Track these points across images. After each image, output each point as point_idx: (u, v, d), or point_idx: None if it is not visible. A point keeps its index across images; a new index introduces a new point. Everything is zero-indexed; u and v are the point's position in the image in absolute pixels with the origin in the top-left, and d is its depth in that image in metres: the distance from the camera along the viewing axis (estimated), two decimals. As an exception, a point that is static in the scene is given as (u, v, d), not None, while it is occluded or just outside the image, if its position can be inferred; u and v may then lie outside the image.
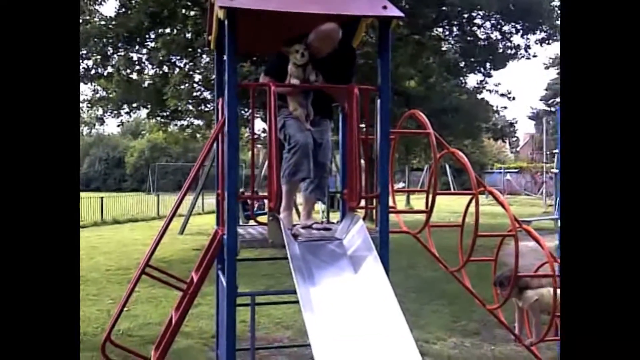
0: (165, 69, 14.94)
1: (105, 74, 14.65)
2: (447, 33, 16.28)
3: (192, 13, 13.68)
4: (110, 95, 16.31)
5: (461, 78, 17.79)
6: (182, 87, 14.39)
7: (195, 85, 15.04)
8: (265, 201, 3.60)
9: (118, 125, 36.09)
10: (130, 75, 15.17)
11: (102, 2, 14.08)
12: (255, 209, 6.65)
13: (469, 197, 4.67)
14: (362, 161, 3.64)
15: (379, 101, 3.56)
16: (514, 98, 18.31)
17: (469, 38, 15.51)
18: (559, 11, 14.72)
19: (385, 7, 3.45)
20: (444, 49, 16.08)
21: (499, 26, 15.59)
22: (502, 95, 18.06)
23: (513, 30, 15.58)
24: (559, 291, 4.31)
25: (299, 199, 4.16)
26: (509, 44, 15.93)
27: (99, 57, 13.95)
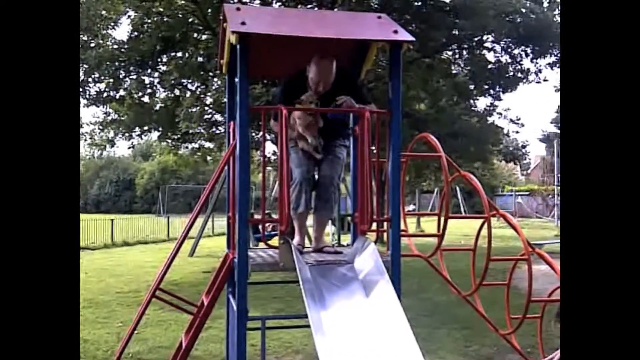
0: (177, 92, 15.09)
1: (117, 97, 14.81)
2: (457, 56, 16.36)
3: (203, 37, 13.86)
4: (122, 118, 16.47)
5: (471, 101, 17.82)
6: (194, 110, 14.52)
7: (206, 108, 15.17)
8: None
9: (129, 148, 36.47)
10: (142, 98, 15.33)
11: (115, 27, 14.32)
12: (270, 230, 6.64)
13: (480, 219, 4.65)
14: (373, 184, 3.63)
15: (390, 124, 3.57)
16: (522, 125, 18.33)
17: (479, 61, 15.56)
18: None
19: (396, 32, 3.47)
20: (454, 72, 16.14)
21: (508, 49, 15.64)
22: (512, 121, 18.08)
23: (523, 53, 15.63)
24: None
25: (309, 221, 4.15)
26: (518, 67, 15.97)
27: (111, 80, 14.12)
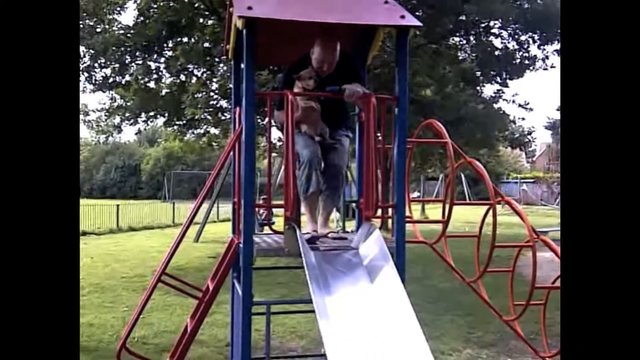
0: (183, 77, 15.06)
1: (123, 82, 14.80)
2: (464, 42, 16.24)
3: (209, 22, 13.80)
4: (128, 104, 16.47)
5: (477, 88, 17.71)
6: (199, 95, 14.49)
7: (212, 94, 15.14)
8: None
9: (135, 133, 36.49)
10: (148, 84, 15.31)
11: (121, 12, 14.26)
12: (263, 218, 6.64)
13: (484, 207, 4.64)
14: (379, 170, 3.62)
15: (396, 110, 3.55)
16: (531, 109, 18.19)
17: (486, 48, 15.45)
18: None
19: (403, 17, 3.44)
20: (460, 58, 16.03)
21: (516, 36, 15.52)
22: (520, 105, 17.94)
23: (530, 40, 15.50)
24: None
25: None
26: (526, 54, 15.85)
27: (117, 65, 14.11)
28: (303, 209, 3.93)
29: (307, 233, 3.65)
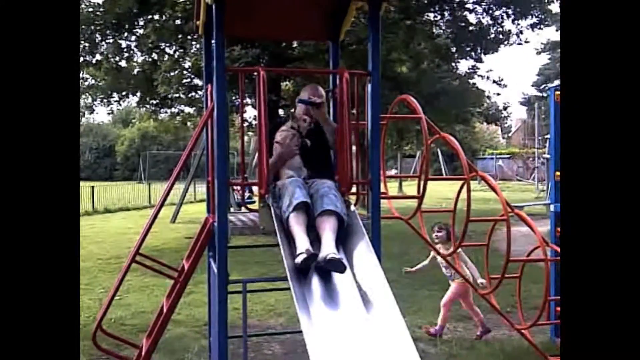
0: (155, 56, 14.82)
1: (94, 61, 14.52)
2: (438, 18, 16.21)
3: (180, -1, 13.55)
4: (100, 84, 16.18)
5: (452, 64, 17.75)
6: (172, 73, 14.28)
7: (185, 72, 14.94)
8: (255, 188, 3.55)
9: (108, 114, 35.97)
10: (119, 63, 15.04)
11: (90, -11, 13.92)
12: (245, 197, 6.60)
13: (460, 183, 4.66)
14: (354, 147, 3.60)
15: (369, 86, 3.53)
16: (505, 85, 18.31)
17: (460, 23, 15.44)
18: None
19: (375, -10, 3.40)
20: (435, 33, 16.02)
21: (490, 11, 15.53)
22: (494, 82, 18.04)
23: (504, 15, 15.54)
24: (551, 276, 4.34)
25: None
26: (500, 29, 15.89)
27: (87, 44, 13.82)
28: (291, 229, 3.17)
29: (301, 254, 2.99)
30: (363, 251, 3.15)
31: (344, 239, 3.29)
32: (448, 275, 5.56)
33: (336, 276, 3.00)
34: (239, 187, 7.41)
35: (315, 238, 3.14)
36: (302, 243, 3.04)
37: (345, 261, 3.05)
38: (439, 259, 5.35)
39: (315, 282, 2.98)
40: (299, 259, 2.95)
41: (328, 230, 3.15)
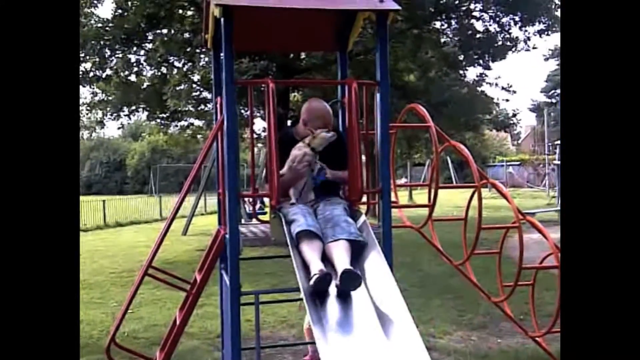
0: (164, 70, 14.93)
1: (103, 76, 14.65)
2: (445, 26, 16.23)
3: (189, 13, 13.67)
4: (110, 98, 16.31)
5: (460, 71, 17.75)
6: (181, 87, 14.38)
7: (194, 85, 15.03)
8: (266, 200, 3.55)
9: (118, 128, 36.23)
10: (129, 77, 15.17)
11: (98, 5, 14.07)
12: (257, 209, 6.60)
13: (471, 190, 4.65)
14: (363, 157, 3.60)
15: (377, 95, 3.53)
16: (514, 92, 18.26)
17: (467, 31, 15.45)
18: (557, 1, 14.64)
19: (382, 1, 3.42)
20: (442, 41, 16.04)
21: (497, 18, 15.53)
22: (503, 88, 18.01)
23: (512, 22, 15.52)
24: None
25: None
26: (507, 35, 15.87)
27: (96, 59, 13.95)
28: (304, 255, 3.12)
29: (314, 275, 2.91)
30: (375, 261, 3.14)
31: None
32: None
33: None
34: (249, 199, 7.43)
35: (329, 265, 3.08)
36: (316, 266, 2.98)
37: (359, 273, 3.00)
38: None
39: (327, 293, 2.97)
40: (312, 281, 2.90)
41: (342, 250, 3.11)
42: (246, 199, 9.56)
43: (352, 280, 2.91)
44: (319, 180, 3.59)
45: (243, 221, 10.66)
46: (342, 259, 3.04)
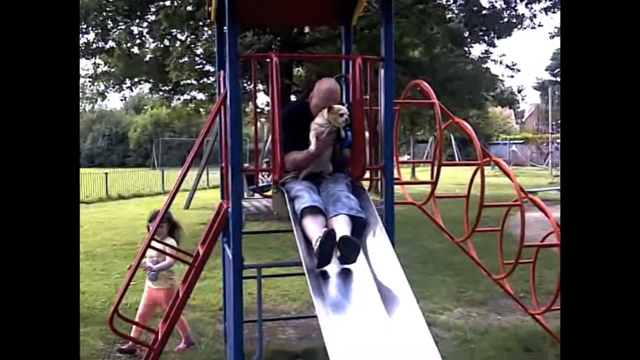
0: (167, 42, 14.82)
1: (106, 48, 14.55)
2: (450, 2, 16.05)
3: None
4: (112, 70, 16.23)
5: (465, 48, 17.59)
6: (184, 60, 14.29)
7: (197, 58, 14.93)
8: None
9: (121, 100, 36.10)
10: (132, 49, 15.06)
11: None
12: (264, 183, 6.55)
13: (474, 168, 4.64)
14: (367, 133, 3.59)
15: (382, 71, 3.51)
16: (519, 70, 18.12)
17: (473, 7, 15.27)
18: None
19: (388, -25, 3.38)
20: (448, 16, 15.87)
21: (503, -6, 15.34)
22: (507, 66, 17.87)
23: (517, -2, 15.33)
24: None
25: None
26: (513, 12, 15.69)
27: (99, 31, 13.84)
28: (306, 230, 3.17)
29: (318, 238, 2.96)
30: (377, 237, 3.16)
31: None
32: (150, 274, 4.77)
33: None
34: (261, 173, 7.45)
35: None
36: (317, 233, 3.00)
37: (358, 242, 3.04)
38: (150, 254, 4.58)
39: (329, 267, 2.99)
40: (316, 243, 2.92)
41: (342, 223, 3.15)
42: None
43: (350, 247, 2.95)
44: (346, 143, 3.54)
45: (246, 195, 10.68)
46: (342, 231, 3.07)
